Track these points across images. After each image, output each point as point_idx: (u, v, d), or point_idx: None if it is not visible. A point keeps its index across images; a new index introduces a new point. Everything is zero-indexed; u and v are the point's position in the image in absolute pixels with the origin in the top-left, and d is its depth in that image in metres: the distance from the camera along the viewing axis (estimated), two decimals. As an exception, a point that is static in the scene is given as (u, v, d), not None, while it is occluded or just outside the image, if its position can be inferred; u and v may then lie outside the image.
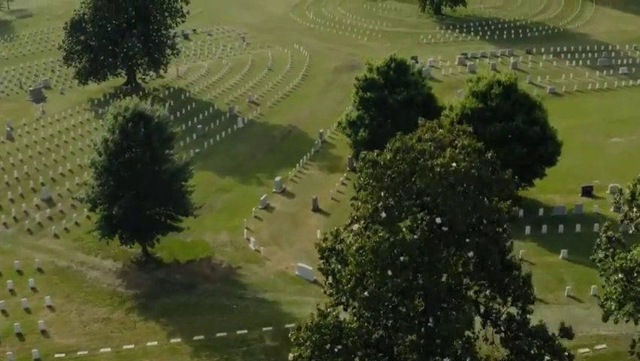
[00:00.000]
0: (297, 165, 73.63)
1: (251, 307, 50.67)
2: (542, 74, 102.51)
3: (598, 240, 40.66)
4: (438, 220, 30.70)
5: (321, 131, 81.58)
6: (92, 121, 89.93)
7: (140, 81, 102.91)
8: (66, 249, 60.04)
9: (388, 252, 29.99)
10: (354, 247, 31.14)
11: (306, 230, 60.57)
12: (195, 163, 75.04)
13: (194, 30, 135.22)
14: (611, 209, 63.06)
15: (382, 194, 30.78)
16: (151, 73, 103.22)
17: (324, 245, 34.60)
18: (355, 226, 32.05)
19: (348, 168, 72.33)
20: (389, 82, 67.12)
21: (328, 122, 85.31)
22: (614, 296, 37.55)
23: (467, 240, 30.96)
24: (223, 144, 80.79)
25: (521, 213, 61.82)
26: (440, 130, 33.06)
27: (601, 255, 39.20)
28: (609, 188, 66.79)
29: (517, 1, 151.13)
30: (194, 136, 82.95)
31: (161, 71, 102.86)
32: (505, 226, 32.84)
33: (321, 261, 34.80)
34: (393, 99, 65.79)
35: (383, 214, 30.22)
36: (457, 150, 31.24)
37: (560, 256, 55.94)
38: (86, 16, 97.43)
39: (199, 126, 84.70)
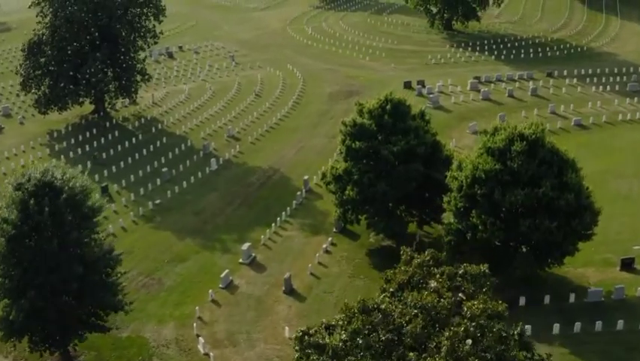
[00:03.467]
0: (274, 223, 60.81)
1: None
2: (566, 102, 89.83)
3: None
4: None
5: (306, 178, 68.72)
6: (46, 160, 77.42)
7: (109, 110, 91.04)
8: (-27, 344, 47.61)
9: None
10: None
11: (272, 323, 47.59)
12: (153, 219, 63.42)
13: (180, 47, 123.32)
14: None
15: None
16: (120, 100, 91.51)
17: None
18: None
19: (335, 230, 59.54)
20: (383, 129, 54.20)
21: (316, 164, 72.65)
22: None
23: None
24: (190, 193, 68.15)
25: (547, 300, 49.01)
26: (437, 274, 20.24)
27: None
28: (654, 259, 54.16)
29: (535, 15, 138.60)
30: (158, 182, 70.39)
31: (129, 99, 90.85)
32: None
33: None
34: (388, 150, 52.86)
35: None
36: (463, 326, 18.58)
37: (601, 371, 42.98)
38: (44, 38, 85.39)
39: (164, 170, 72.08)
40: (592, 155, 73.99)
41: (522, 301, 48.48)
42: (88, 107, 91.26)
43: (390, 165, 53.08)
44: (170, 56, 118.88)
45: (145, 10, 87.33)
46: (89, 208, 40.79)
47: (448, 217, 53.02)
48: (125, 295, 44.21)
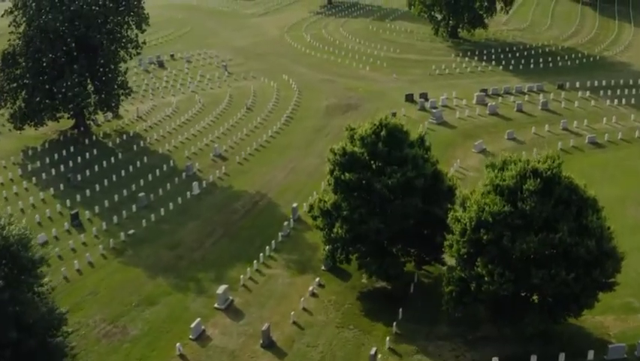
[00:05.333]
0: (256, 260, 54.64)
1: None
2: (579, 118, 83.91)
3: None
4: None
5: (294, 206, 62.57)
6: (17, 182, 71.65)
7: (90, 124, 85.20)
8: None
9: None
10: None
11: (246, 387, 41.67)
12: (124, 253, 57.39)
13: (171, 55, 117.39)
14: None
15: None
16: (102, 114, 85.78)
17: None
18: None
19: (323, 268, 53.37)
20: (377, 158, 47.97)
21: (307, 188, 66.68)
22: None
23: None
24: (167, 222, 62.03)
25: (562, 358, 42.72)
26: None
27: None
28: (683, 305, 47.93)
29: (544, 22, 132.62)
30: (134, 208, 64.35)
31: (111, 114, 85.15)
32: None
33: None
34: (382, 183, 46.64)
35: None
36: None
37: None
38: (18, 48, 79.56)
39: (141, 195, 66.03)
40: (608, 177, 68.30)
41: (534, 360, 42.24)
42: (68, 121, 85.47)
43: (384, 200, 46.87)
44: (161, 65, 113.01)
45: (126, 19, 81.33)
46: (27, 260, 34.78)
47: (449, 260, 46.97)
48: (75, 356, 38.26)
